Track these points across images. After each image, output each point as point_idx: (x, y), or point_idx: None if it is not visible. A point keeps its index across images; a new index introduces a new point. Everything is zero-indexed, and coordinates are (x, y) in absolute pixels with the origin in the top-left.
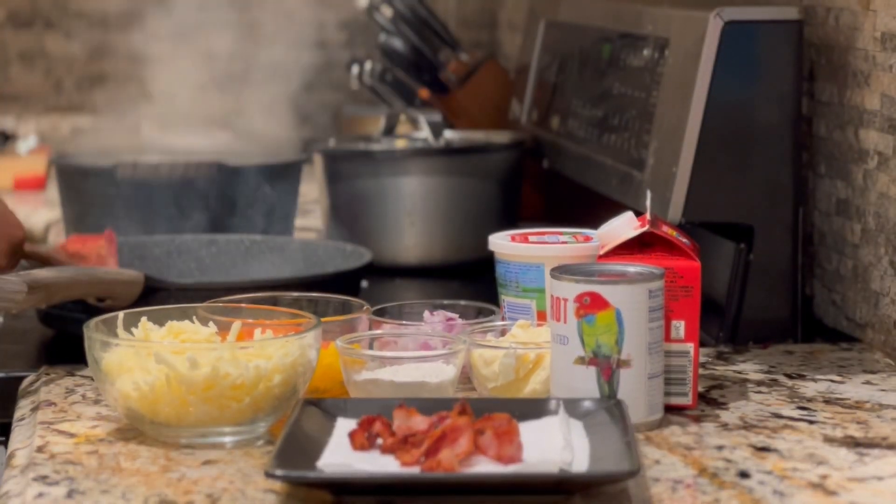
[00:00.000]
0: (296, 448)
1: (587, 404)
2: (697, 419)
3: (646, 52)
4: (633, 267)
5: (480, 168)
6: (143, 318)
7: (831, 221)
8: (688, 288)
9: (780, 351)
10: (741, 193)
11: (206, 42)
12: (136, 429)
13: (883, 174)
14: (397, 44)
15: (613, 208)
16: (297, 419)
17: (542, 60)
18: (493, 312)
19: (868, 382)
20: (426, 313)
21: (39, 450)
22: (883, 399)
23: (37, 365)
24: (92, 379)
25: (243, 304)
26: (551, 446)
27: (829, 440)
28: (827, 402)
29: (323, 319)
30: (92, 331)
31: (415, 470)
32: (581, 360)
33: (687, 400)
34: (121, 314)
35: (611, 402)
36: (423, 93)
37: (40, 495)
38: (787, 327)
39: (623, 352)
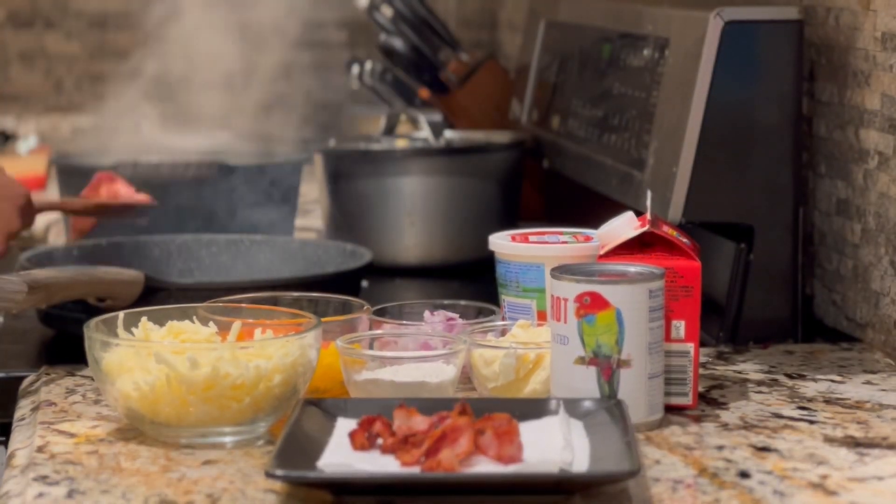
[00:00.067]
0: (296, 448)
1: (587, 404)
2: (698, 419)
3: (646, 52)
4: (633, 267)
5: (480, 168)
6: (144, 318)
7: (831, 221)
8: (688, 288)
9: (780, 351)
10: (741, 193)
11: (206, 42)
12: (136, 429)
13: (883, 174)
14: (397, 44)
15: (613, 208)
16: (298, 419)
17: (543, 60)
18: (493, 312)
19: (868, 382)
20: (426, 313)
21: (40, 450)
22: (883, 399)
23: (37, 365)
24: (92, 379)
25: (243, 304)
26: (551, 446)
27: (829, 440)
28: (827, 402)
29: (323, 319)
30: (92, 331)
31: (415, 470)
32: (581, 360)
33: (687, 400)
34: (121, 314)
35: (611, 402)
36: (423, 93)
37: (40, 495)
38: (787, 327)
39: (623, 352)
